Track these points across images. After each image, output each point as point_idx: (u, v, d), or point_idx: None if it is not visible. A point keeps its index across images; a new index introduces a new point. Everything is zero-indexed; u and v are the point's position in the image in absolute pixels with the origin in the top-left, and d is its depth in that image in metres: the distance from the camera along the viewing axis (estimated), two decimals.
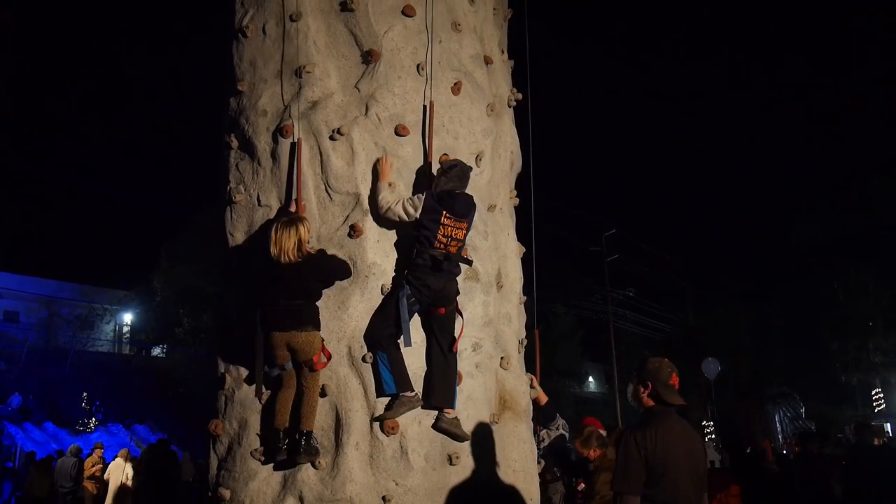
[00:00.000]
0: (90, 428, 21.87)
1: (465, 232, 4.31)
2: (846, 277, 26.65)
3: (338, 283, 4.29)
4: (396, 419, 4.14)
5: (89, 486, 12.88)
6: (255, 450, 4.27)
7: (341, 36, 4.68)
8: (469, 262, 4.47)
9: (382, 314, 4.26)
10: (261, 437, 4.29)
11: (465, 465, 4.35)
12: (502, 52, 5.63)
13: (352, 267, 4.31)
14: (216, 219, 4.90)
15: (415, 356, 4.28)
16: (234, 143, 4.76)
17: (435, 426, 4.25)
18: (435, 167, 4.50)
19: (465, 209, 4.31)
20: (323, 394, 4.20)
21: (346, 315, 4.29)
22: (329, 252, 4.30)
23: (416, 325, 4.30)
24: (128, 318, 31.63)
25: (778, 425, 25.16)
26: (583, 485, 5.12)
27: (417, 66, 4.68)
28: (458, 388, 4.36)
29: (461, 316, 4.42)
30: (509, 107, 5.43)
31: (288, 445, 4.07)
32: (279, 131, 4.53)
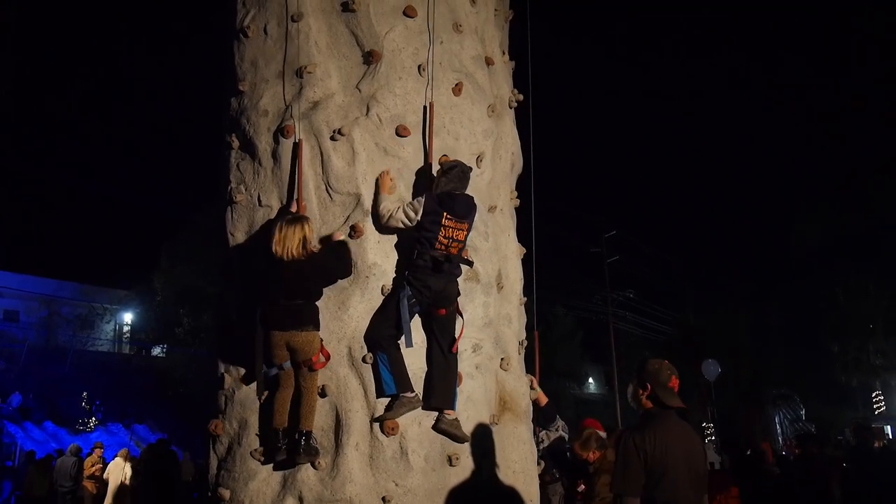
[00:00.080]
0: (90, 427, 21.90)
1: (465, 233, 4.31)
2: (846, 278, 26.66)
3: (338, 283, 4.29)
4: (396, 420, 4.14)
5: (89, 485, 12.86)
6: (255, 450, 4.27)
7: (342, 36, 4.68)
8: (470, 263, 4.47)
9: (383, 315, 4.25)
10: (260, 437, 4.29)
11: (465, 466, 4.35)
12: (503, 53, 5.63)
13: (352, 267, 4.31)
14: (216, 219, 4.90)
15: (415, 357, 4.28)
16: (235, 143, 4.76)
17: (435, 427, 4.25)
18: (435, 168, 4.50)
19: (465, 210, 4.31)
20: (323, 394, 4.20)
21: (346, 315, 4.29)
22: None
23: (416, 325, 4.30)
24: (128, 317, 31.69)
25: (778, 427, 25.21)
26: (583, 486, 5.11)
27: (418, 66, 4.68)
28: (458, 389, 4.36)
29: (461, 317, 4.42)
30: (510, 108, 5.43)
31: (287, 445, 4.07)
32: (280, 131, 4.53)
